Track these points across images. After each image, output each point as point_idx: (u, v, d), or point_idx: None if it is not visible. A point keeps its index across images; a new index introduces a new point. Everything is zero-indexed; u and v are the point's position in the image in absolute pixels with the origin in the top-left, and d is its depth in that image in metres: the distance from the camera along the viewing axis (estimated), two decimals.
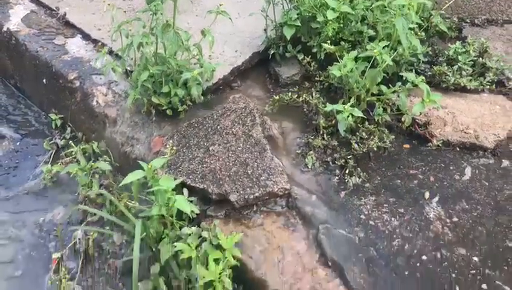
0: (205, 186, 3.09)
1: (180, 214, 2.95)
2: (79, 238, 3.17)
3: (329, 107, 3.19)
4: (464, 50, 3.81)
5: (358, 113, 3.06)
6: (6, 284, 3.07)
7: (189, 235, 2.75)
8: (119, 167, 3.68)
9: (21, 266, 3.17)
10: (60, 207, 3.49)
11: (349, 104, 3.11)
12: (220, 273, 2.66)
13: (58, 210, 3.45)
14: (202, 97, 3.62)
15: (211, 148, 3.29)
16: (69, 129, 4.07)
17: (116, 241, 3.19)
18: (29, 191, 3.69)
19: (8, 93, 4.70)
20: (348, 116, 3.09)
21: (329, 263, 2.77)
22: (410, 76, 3.19)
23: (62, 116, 4.18)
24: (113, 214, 3.28)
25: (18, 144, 4.14)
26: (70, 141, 3.83)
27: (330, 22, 3.50)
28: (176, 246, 2.73)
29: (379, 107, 3.33)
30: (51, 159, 3.93)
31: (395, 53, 3.34)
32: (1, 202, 3.60)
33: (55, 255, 3.12)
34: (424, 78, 3.19)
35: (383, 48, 3.24)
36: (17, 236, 3.35)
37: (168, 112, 3.59)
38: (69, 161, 3.80)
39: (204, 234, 2.77)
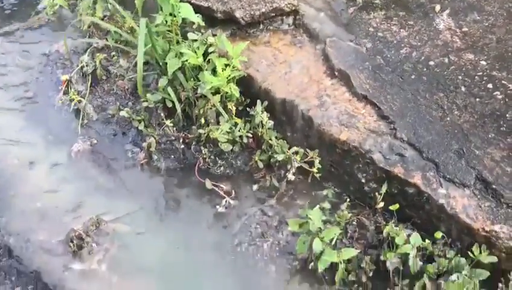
0: (210, 4, 3.01)
1: (185, 37, 2.91)
2: (86, 62, 3.18)
3: None
4: None
5: None
6: (20, 104, 3.15)
7: (195, 41, 2.74)
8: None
9: (32, 89, 3.23)
10: (64, 39, 3.45)
11: None
12: (227, 79, 2.68)
13: (62, 42, 3.41)
14: None
15: None
16: None
17: (123, 65, 3.21)
18: (32, 26, 3.66)
19: None
20: None
21: (336, 73, 2.78)
22: None
23: None
24: (118, 42, 3.27)
25: None
26: None
27: None
28: (182, 55, 2.73)
29: None
30: None
31: None
32: (6, 35, 3.59)
33: (64, 77, 3.16)
34: None
35: None
36: (25, 64, 3.38)
37: None
38: None
39: (210, 39, 2.75)
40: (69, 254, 2.42)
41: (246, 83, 2.88)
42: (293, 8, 3.00)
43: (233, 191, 2.70)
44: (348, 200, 2.59)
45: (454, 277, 2.14)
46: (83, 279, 2.34)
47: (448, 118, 2.53)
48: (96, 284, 2.33)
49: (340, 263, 2.30)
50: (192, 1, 3.02)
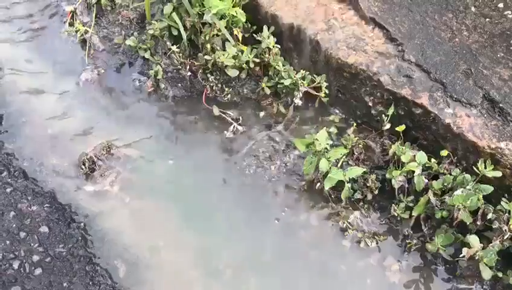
0: None
1: None
2: None
3: None
4: None
5: None
6: (26, 35, 3.14)
7: None
8: None
9: (37, 20, 3.22)
10: None
11: None
12: (233, 2, 2.64)
13: None
14: None
15: None
16: None
17: None
18: None
19: None
20: None
21: None
22: None
23: None
24: None
25: None
26: None
27: None
28: None
29: None
30: None
31: None
32: None
33: (69, 9, 3.13)
34: None
35: None
36: None
37: None
38: None
39: None
40: (82, 176, 2.49)
41: (252, 9, 2.85)
42: None
43: (240, 118, 2.72)
44: (355, 124, 2.61)
45: (458, 191, 2.18)
46: (96, 199, 2.42)
47: (456, 39, 2.50)
48: (109, 203, 2.41)
49: (347, 181, 2.35)
50: None
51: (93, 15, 3.14)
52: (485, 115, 2.31)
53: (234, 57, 2.71)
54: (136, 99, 2.84)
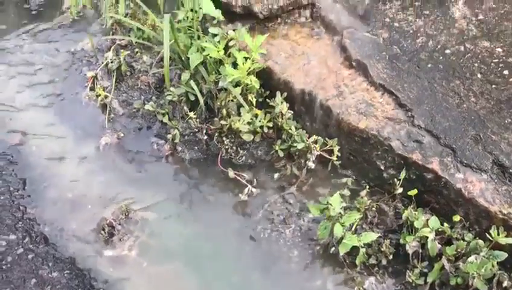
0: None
1: (205, 32, 3.01)
2: (110, 59, 3.30)
3: None
4: None
5: None
6: (49, 100, 3.28)
7: (216, 36, 2.83)
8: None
9: (59, 86, 3.36)
10: (89, 37, 3.57)
11: None
12: (247, 71, 2.76)
13: (87, 40, 3.54)
14: None
15: None
16: None
17: (146, 61, 3.32)
18: (58, 25, 3.80)
19: None
20: None
21: (353, 64, 2.84)
22: None
23: None
24: (140, 39, 3.38)
25: None
26: None
27: None
28: (204, 50, 2.83)
29: None
30: None
31: None
32: (33, 34, 3.72)
33: (90, 74, 3.28)
34: None
35: None
36: (52, 62, 3.51)
37: None
38: None
39: (231, 34, 2.84)
40: (101, 241, 2.55)
41: (265, 75, 2.97)
42: (310, 0, 3.07)
43: (255, 180, 2.79)
44: (367, 187, 2.66)
45: (472, 258, 2.20)
46: (115, 264, 2.47)
47: (464, 105, 2.58)
48: (128, 268, 2.45)
49: (361, 246, 2.39)
50: None
51: (113, 80, 3.29)
52: (496, 181, 2.36)
53: (249, 123, 2.81)
54: (154, 163, 2.93)
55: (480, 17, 2.88)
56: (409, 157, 2.51)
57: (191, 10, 2.82)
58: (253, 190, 2.77)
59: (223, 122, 2.87)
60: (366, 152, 2.68)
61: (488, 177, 2.37)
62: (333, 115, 2.73)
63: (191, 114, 2.91)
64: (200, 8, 2.78)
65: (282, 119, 2.84)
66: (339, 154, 2.74)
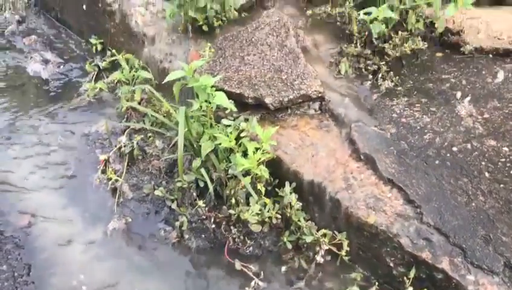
0: (241, 91, 3.22)
1: (217, 120, 3.11)
2: (124, 142, 3.38)
3: (362, 12, 3.25)
4: None
5: (390, 14, 3.11)
6: (60, 182, 3.32)
7: (228, 126, 2.91)
8: (158, 85, 3.84)
9: (72, 167, 3.42)
10: (104, 120, 3.68)
11: (382, 6, 3.16)
12: (257, 162, 2.81)
13: (102, 123, 3.65)
14: (236, 13, 3.74)
15: (246, 58, 3.41)
16: (109, 53, 4.24)
17: (158, 146, 3.40)
18: (74, 107, 3.93)
19: (49, 25, 4.93)
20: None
21: (362, 157, 2.89)
22: None
23: (102, 41, 4.38)
24: (154, 125, 3.49)
25: (62, 67, 4.37)
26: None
27: None
28: (216, 139, 2.90)
29: (412, 16, 3.37)
30: (93, 80, 4.14)
31: None
32: (50, 115, 3.85)
33: (102, 157, 3.35)
34: None
35: None
36: (66, 144, 3.59)
37: (204, 28, 3.72)
38: (110, 82, 4.01)
39: (243, 125, 2.92)
40: None
41: (274, 164, 3.01)
42: (320, 94, 3.19)
43: (262, 272, 2.75)
44: (377, 283, 2.61)
45: None
46: None
47: (473, 203, 2.59)
48: None
49: None
50: (225, 88, 3.25)
51: (125, 163, 3.35)
52: (508, 284, 2.31)
53: (257, 214, 2.82)
54: (161, 250, 2.91)
55: (486, 115, 2.96)
56: (418, 256, 2.48)
57: (205, 101, 2.93)
58: (260, 283, 2.72)
59: (231, 211, 2.88)
60: (376, 248, 2.65)
61: (500, 280, 2.33)
62: (342, 208, 2.74)
63: (201, 202, 2.93)
64: (214, 100, 2.88)
65: (291, 210, 2.85)
66: (348, 249, 2.72)
